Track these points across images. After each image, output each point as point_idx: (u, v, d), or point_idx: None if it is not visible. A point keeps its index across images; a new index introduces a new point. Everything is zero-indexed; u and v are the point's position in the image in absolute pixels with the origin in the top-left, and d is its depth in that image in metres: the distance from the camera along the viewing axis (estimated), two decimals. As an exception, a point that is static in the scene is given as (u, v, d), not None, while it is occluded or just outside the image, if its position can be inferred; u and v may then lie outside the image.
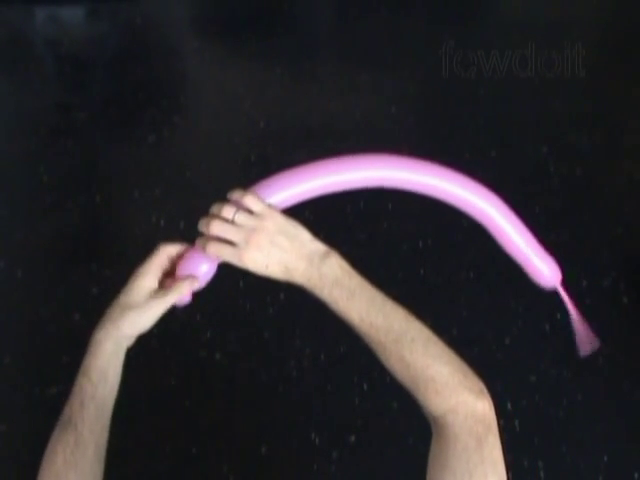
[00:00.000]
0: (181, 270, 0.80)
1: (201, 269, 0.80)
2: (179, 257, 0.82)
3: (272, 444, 1.83)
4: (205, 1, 4.14)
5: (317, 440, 1.84)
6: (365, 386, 1.95)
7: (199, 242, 0.78)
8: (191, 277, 0.79)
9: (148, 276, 0.79)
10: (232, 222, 0.76)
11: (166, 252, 0.81)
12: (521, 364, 2.02)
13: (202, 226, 0.78)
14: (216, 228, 0.76)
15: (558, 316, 2.17)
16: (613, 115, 3.11)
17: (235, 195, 0.78)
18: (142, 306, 0.77)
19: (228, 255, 0.76)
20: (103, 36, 3.65)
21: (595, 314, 2.35)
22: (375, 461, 1.81)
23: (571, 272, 2.53)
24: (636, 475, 1.79)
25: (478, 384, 0.73)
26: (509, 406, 1.87)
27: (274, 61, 3.32)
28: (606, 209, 2.57)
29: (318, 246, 0.78)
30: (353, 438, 1.85)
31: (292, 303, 2.12)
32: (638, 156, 2.83)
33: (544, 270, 0.92)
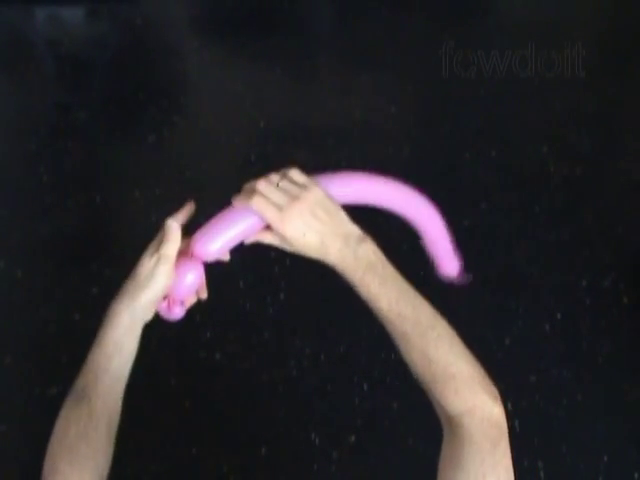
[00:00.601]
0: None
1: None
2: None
3: (272, 444, 1.83)
4: (205, 1, 4.13)
5: (317, 440, 1.84)
6: (365, 386, 1.95)
7: (240, 198, 0.78)
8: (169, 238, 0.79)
9: (153, 247, 0.79)
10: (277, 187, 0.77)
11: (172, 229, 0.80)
12: (521, 364, 2.02)
13: (247, 185, 0.79)
14: (262, 186, 0.77)
15: (558, 316, 2.17)
16: (613, 115, 3.11)
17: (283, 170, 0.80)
18: (151, 270, 0.77)
19: (271, 214, 0.75)
20: (103, 36, 3.64)
21: (595, 314, 2.36)
22: (375, 461, 1.81)
23: (571, 272, 2.55)
24: (636, 475, 1.79)
25: (494, 389, 0.73)
26: (509, 406, 1.85)
27: (274, 61, 3.32)
28: (606, 209, 2.57)
29: (355, 229, 0.78)
30: (353, 438, 1.85)
31: (292, 303, 2.12)
32: (638, 156, 2.83)
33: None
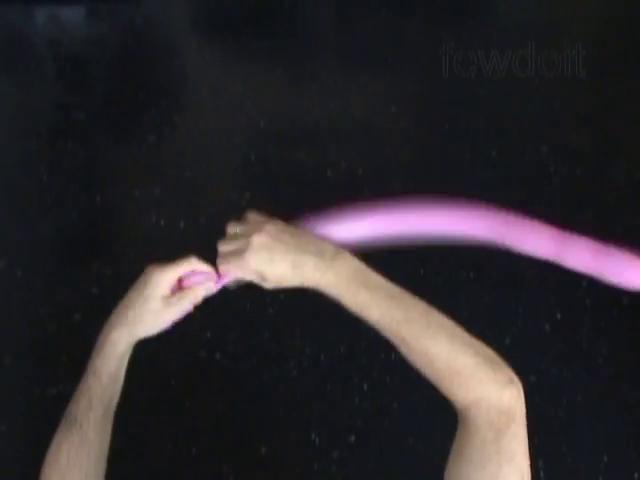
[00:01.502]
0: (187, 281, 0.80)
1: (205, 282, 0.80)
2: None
3: (272, 444, 1.83)
4: (205, 1, 4.13)
5: (317, 440, 1.84)
6: (365, 386, 1.95)
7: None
8: (206, 283, 0.78)
9: (165, 283, 0.77)
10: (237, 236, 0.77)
11: (191, 266, 0.79)
12: (521, 364, 2.02)
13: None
14: (222, 245, 0.77)
15: (558, 316, 2.17)
16: (613, 115, 3.11)
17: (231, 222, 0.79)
18: (159, 312, 0.76)
19: (234, 263, 0.75)
20: (103, 36, 3.64)
21: (595, 314, 2.36)
22: (375, 461, 1.81)
23: (571, 272, 2.53)
24: (636, 475, 1.79)
25: (507, 373, 0.72)
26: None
27: (274, 61, 3.32)
28: (606, 209, 2.57)
29: (327, 244, 0.77)
30: (353, 438, 1.85)
31: (292, 303, 2.12)
32: (638, 156, 2.83)
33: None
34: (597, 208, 2.56)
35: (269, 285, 0.78)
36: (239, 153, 2.80)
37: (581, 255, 0.85)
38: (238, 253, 0.75)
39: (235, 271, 0.77)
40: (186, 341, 2.00)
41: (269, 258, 0.75)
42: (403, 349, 0.73)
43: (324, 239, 0.78)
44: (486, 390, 0.69)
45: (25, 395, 1.95)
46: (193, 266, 0.79)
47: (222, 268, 0.77)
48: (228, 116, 3.01)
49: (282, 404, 1.93)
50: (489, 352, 0.73)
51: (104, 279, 2.23)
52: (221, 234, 0.79)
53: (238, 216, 0.80)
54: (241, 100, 3.07)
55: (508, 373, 0.72)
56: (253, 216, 0.78)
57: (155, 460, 1.77)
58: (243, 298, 2.16)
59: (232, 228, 0.78)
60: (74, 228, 2.48)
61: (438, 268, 2.24)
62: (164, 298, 0.77)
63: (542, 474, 1.78)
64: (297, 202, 2.48)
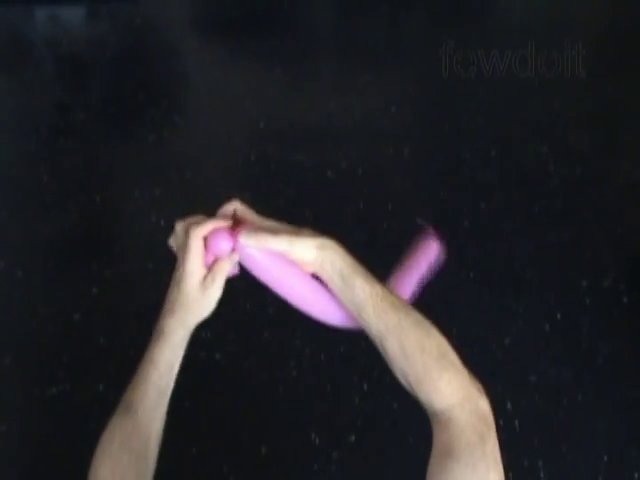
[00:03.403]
0: (212, 248, 0.79)
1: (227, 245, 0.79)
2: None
3: (272, 444, 1.83)
4: (205, 1, 4.14)
5: (317, 440, 1.84)
6: (365, 386, 1.95)
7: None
8: (228, 254, 0.78)
9: (195, 265, 0.77)
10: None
11: (200, 236, 0.78)
12: (521, 364, 2.02)
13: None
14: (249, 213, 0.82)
15: (558, 316, 2.17)
16: (613, 115, 3.11)
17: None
18: (200, 298, 0.78)
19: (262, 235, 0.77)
20: (103, 36, 3.65)
21: (595, 314, 2.36)
22: (375, 461, 1.81)
23: (571, 272, 2.54)
24: (636, 475, 1.79)
25: (478, 384, 0.73)
26: (509, 406, 1.87)
27: (274, 61, 3.32)
28: (606, 209, 2.57)
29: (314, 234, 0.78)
30: (353, 438, 1.85)
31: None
32: (638, 156, 2.83)
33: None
34: (597, 208, 2.57)
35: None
36: (239, 153, 2.80)
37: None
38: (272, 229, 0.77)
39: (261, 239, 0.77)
40: (186, 341, 2.00)
41: (300, 237, 0.76)
42: (395, 336, 0.73)
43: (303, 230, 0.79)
44: (469, 392, 0.70)
45: (25, 395, 1.95)
46: (202, 233, 0.78)
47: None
48: (228, 116, 3.01)
49: (282, 404, 1.93)
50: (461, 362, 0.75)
51: (104, 279, 2.22)
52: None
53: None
54: (241, 100, 3.07)
55: (478, 383, 0.74)
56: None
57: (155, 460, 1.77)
58: (243, 298, 2.16)
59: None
60: (74, 228, 2.48)
61: (438, 268, 2.23)
62: (200, 283, 0.77)
63: (542, 474, 1.78)
64: (297, 202, 2.48)
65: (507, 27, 3.68)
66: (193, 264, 0.77)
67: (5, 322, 2.16)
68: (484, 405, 0.71)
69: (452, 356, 0.73)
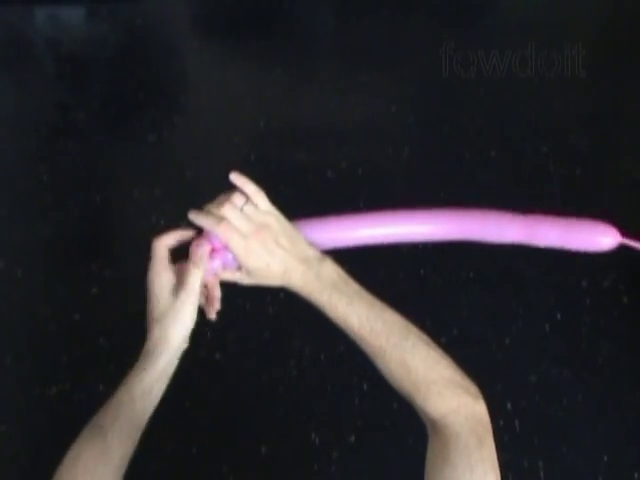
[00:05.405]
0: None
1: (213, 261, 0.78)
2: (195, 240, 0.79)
3: (272, 444, 1.83)
4: (205, 1, 4.13)
5: (317, 440, 1.84)
6: (365, 386, 1.95)
7: (209, 220, 0.76)
8: (194, 264, 0.76)
9: (160, 277, 0.75)
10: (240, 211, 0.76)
11: (163, 245, 0.77)
12: (521, 364, 2.02)
13: (211, 207, 0.77)
14: (229, 211, 0.75)
15: (558, 316, 2.17)
16: (613, 115, 3.11)
17: (248, 187, 0.77)
18: (171, 307, 0.75)
19: (236, 241, 0.74)
20: (103, 36, 3.64)
21: (595, 314, 2.36)
22: (375, 461, 1.81)
23: (571, 272, 2.54)
24: (636, 475, 1.79)
25: (474, 387, 0.73)
26: (509, 406, 1.87)
27: (274, 61, 3.32)
28: (606, 209, 2.57)
29: (314, 251, 0.78)
30: (353, 438, 1.85)
31: (292, 303, 2.11)
32: (638, 156, 2.83)
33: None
34: (597, 208, 2.56)
35: (248, 281, 0.78)
36: (239, 153, 2.80)
37: (548, 232, 0.87)
38: (240, 236, 0.74)
39: (227, 242, 0.75)
40: (186, 341, 2.00)
41: (266, 261, 0.75)
42: (379, 360, 0.75)
43: (310, 244, 0.78)
44: (462, 399, 0.71)
45: (25, 395, 1.95)
46: (165, 244, 0.76)
47: (221, 230, 0.74)
48: (228, 116, 3.01)
49: (282, 404, 1.93)
50: (457, 367, 0.74)
51: (104, 279, 2.22)
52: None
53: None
54: (241, 100, 3.06)
55: (475, 387, 0.74)
56: (261, 198, 0.78)
57: (155, 460, 1.77)
58: (243, 298, 2.16)
59: (238, 199, 0.77)
60: (74, 228, 2.48)
61: (438, 268, 2.23)
62: (171, 292, 0.75)
63: (542, 474, 1.78)
64: (297, 202, 2.48)
65: (507, 27, 3.68)
66: (153, 272, 0.75)
67: (5, 322, 2.16)
68: (480, 409, 0.71)
69: (441, 367, 0.72)
